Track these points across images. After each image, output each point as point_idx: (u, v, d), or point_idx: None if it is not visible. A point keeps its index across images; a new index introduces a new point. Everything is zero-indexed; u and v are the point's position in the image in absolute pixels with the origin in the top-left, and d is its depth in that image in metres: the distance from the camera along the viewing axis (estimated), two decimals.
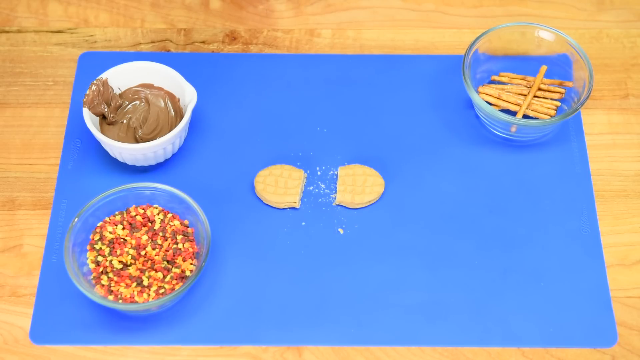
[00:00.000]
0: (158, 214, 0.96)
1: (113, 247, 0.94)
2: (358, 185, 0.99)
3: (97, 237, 0.95)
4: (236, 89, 1.07)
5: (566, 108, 1.04)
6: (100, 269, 0.93)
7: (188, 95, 1.00)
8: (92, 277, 0.93)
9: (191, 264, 0.94)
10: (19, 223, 1.00)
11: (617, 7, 1.15)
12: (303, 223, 0.99)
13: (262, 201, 1.00)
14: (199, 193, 0.99)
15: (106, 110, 1.00)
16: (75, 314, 0.94)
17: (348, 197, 0.99)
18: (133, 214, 0.96)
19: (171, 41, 1.12)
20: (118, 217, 0.96)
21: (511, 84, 1.06)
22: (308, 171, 1.02)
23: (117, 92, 1.02)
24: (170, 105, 1.02)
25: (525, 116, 1.04)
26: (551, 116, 1.03)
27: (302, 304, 0.94)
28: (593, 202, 1.01)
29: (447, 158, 1.03)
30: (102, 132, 1.00)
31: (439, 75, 1.09)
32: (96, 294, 0.91)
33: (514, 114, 1.04)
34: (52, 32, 1.13)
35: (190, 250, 0.94)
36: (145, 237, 0.95)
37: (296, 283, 0.96)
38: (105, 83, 1.00)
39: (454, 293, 0.95)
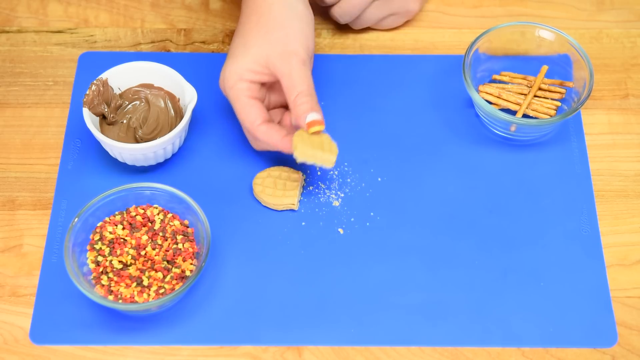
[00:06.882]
0: (158, 214, 0.96)
1: (113, 247, 0.94)
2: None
3: (97, 237, 0.95)
4: None
5: (566, 108, 1.04)
6: (100, 269, 0.93)
7: (188, 95, 1.00)
8: (92, 277, 0.93)
9: (191, 264, 0.94)
10: (19, 223, 1.00)
11: (617, 7, 1.15)
12: (303, 223, 0.99)
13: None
14: (199, 193, 0.99)
15: (106, 110, 1.00)
16: (75, 314, 0.94)
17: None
18: (133, 214, 0.96)
19: (171, 41, 1.12)
20: (118, 217, 0.96)
21: (512, 83, 1.06)
22: (308, 171, 1.02)
23: (117, 92, 1.02)
24: (170, 105, 1.02)
25: (525, 116, 1.04)
26: (551, 116, 1.03)
27: (302, 304, 0.94)
28: (593, 202, 1.01)
29: (447, 158, 1.03)
30: (102, 132, 1.00)
31: (439, 75, 1.09)
32: (96, 294, 0.90)
33: (514, 113, 1.04)
34: (52, 32, 1.13)
35: (190, 250, 0.94)
36: (145, 237, 0.95)
37: (296, 283, 0.96)
38: (105, 83, 1.00)
39: (454, 293, 0.95)
